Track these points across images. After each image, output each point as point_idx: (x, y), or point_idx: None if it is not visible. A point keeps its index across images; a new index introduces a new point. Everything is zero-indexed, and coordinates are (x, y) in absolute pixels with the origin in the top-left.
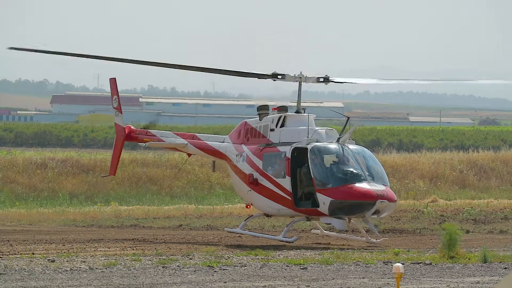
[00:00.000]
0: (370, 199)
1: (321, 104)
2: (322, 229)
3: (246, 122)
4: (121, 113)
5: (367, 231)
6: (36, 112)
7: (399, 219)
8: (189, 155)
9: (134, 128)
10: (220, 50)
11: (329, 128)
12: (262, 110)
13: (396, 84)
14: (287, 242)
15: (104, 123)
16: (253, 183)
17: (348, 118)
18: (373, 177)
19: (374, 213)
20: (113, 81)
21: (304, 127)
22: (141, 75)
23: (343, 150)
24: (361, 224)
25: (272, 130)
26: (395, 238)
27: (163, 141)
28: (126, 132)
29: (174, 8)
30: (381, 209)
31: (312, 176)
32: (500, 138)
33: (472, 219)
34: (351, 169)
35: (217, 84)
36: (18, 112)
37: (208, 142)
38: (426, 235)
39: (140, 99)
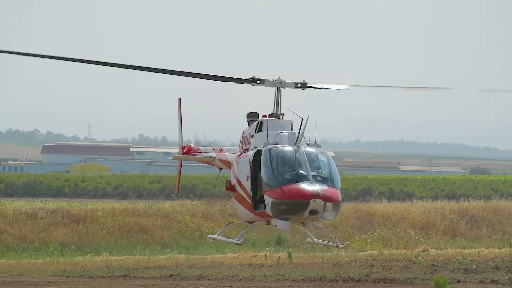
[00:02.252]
0: (303, 198)
1: None
2: (313, 238)
3: (244, 131)
4: (181, 132)
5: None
6: (26, 162)
7: (390, 268)
8: (220, 169)
9: (193, 146)
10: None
11: (292, 131)
12: (251, 117)
13: (371, 90)
14: (236, 244)
15: (95, 172)
16: (231, 189)
17: (302, 118)
18: (320, 179)
19: (312, 213)
20: (179, 101)
21: (273, 132)
22: (132, 125)
23: (294, 152)
24: (329, 231)
25: (252, 136)
26: (386, 287)
27: (201, 155)
28: (185, 150)
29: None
30: (318, 209)
31: (262, 178)
32: (491, 188)
33: (463, 269)
34: (296, 170)
35: (207, 133)
36: (9, 162)
37: (226, 154)
38: (418, 285)
39: (131, 149)
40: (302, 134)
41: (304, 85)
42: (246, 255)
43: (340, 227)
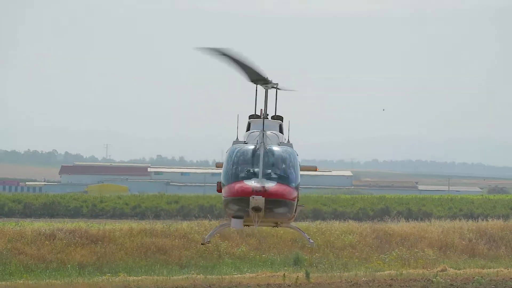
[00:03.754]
0: (243, 194)
1: (330, 173)
2: (309, 240)
3: None
4: None
5: None
6: (45, 183)
7: None
8: None
9: None
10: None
11: (263, 131)
12: (251, 119)
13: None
14: (201, 244)
15: (113, 193)
16: (221, 191)
17: (263, 117)
18: (275, 176)
19: (256, 210)
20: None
21: (249, 132)
22: (150, 145)
23: (253, 151)
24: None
25: (244, 137)
26: None
27: None
28: None
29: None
30: (259, 205)
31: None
32: (509, 207)
33: None
34: (248, 168)
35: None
36: (27, 183)
37: None
38: None
39: (149, 169)
40: (263, 131)
41: (276, 86)
42: (264, 275)
43: (358, 246)
